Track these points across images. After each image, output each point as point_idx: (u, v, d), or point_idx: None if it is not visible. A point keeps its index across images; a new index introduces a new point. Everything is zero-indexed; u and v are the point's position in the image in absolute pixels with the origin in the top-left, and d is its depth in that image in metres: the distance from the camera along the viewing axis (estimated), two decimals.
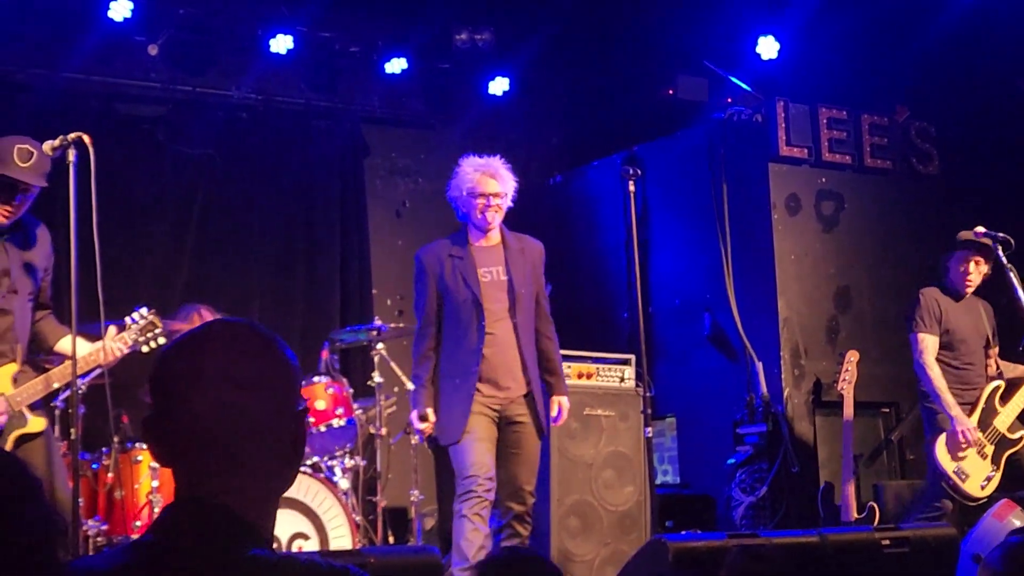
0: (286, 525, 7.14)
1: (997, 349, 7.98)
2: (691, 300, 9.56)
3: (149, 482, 7.20)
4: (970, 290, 7.89)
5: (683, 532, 8.28)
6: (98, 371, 6.33)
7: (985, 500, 7.59)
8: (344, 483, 7.70)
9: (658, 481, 9.07)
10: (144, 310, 6.08)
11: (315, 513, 7.26)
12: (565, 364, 7.91)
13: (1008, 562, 3.14)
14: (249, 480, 2.04)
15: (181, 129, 9.92)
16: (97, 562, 2.05)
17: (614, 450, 8.00)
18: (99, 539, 7.02)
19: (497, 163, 6.80)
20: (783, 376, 8.88)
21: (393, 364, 8.28)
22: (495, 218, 6.70)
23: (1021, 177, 9.58)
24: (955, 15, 9.29)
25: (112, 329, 5.93)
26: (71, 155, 5.58)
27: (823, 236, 9.26)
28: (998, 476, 7.68)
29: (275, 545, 6.55)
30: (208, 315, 7.63)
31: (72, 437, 5.68)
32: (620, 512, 7.92)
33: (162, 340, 6.03)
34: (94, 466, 7.31)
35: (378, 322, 8.40)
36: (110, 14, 9.03)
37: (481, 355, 6.56)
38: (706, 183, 9.42)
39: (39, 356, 6.06)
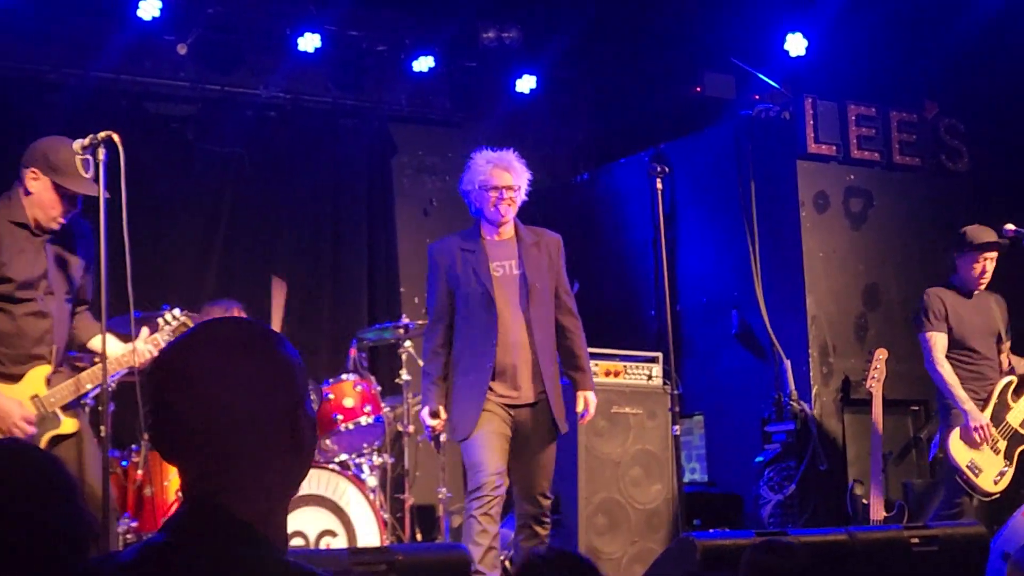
0: (314, 522, 7.17)
1: (1009, 344, 7.94)
2: (719, 298, 9.54)
3: (178, 479, 7.22)
4: (982, 286, 7.87)
5: (711, 530, 8.27)
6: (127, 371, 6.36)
7: (999, 495, 7.59)
8: (372, 480, 7.72)
9: (686, 479, 9.05)
10: (176, 311, 6.10)
11: (343, 510, 7.28)
12: (592, 362, 7.90)
13: None
14: (247, 477, 2.06)
15: (210, 128, 9.97)
16: (111, 559, 2.08)
17: (642, 448, 7.99)
18: (129, 536, 7.06)
19: (510, 156, 6.70)
20: (811, 374, 8.86)
21: (421, 362, 8.28)
22: (508, 212, 6.58)
23: None
24: (984, 10, 9.24)
25: (144, 330, 5.95)
26: (101, 154, 5.60)
27: (851, 233, 9.23)
28: (1011, 471, 7.66)
29: (302, 542, 6.54)
30: (237, 312, 7.69)
31: (102, 435, 5.71)
32: (648, 510, 7.92)
33: None
34: (123, 463, 7.36)
35: (405, 320, 8.41)
36: (139, 13, 9.07)
37: (495, 351, 6.42)
38: (734, 180, 9.40)
39: (71, 353, 6.09)
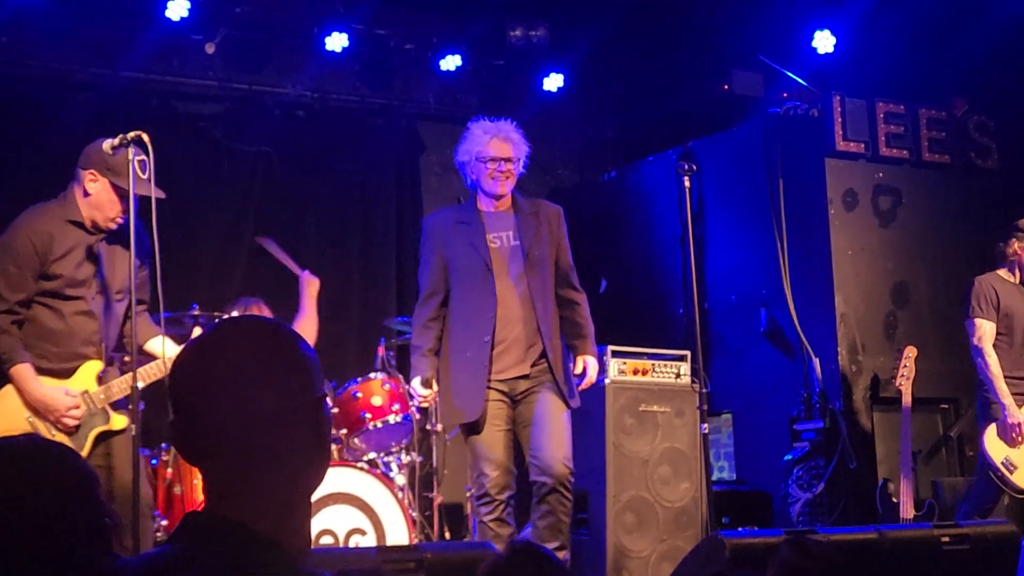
0: (343, 520, 7.18)
1: None
2: (747, 296, 9.52)
3: None
4: None
5: (740, 529, 8.26)
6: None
7: None
8: (400, 479, 7.73)
9: (714, 477, 9.05)
10: (214, 314, 6.16)
11: (372, 509, 7.28)
12: (621, 360, 7.91)
13: None
14: (271, 477, 2.04)
15: (238, 127, 10.02)
16: (132, 563, 2.07)
17: (670, 446, 7.98)
18: (159, 534, 7.08)
19: (508, 127, 6.48)
20: (840, 372, 8.84)
21: None
22: (506, 185, 6.37)
23: None
24: (1013, 6, 9.20)
25: (198, 331, 6.01)
26: (131, 153, 5.65)
27: (880, 231, 9.20)
28: None
29: (331, 540, 6.55)
30: (264, 311, 7.73)
31: (133, 433, 5.74)
32: (676, 508, 7.91)
33: None
34: (153, 462, 7.39)
35: None
36: (168, 13, 9.11)
37: (493, 324, 6.18)
38: (762, 178, 9.38)
39: (124, 352, 6.15)
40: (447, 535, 8.41)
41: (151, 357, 6.00)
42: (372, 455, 7.84)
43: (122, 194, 5.75)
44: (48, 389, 5.71)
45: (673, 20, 10.47)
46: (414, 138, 10.83)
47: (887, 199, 9.26)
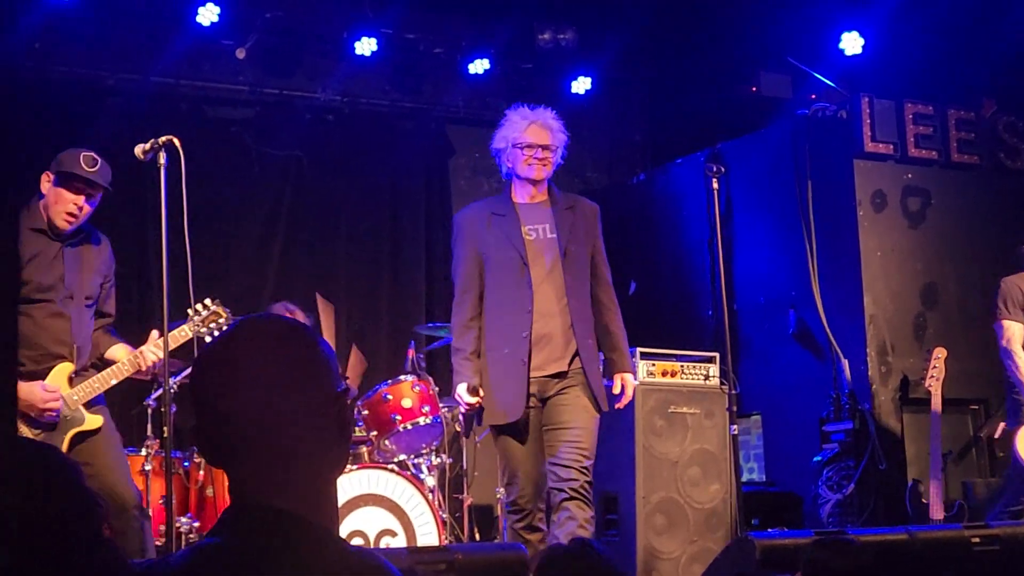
0: (374, 521, 7.21)
1: None
2: (776, 297, 9.52)
3: None
4: None
5: (769, 530, 8.26)
6: (188, 371, 6.45)
7: None
8: (431, 480, 7.75)
9: (744, 479, 9.04)
10: (207, 300, 6.16)
11: (402, 510, 7.31)
12: (650, 362, 7.92)
13: None
14: (298, 472, 2.05)
15: (268, 131, 10.07)
16: (163, 563, 2.07)
17: (699, 448, 7.99)
18: (191, 536, 7.14)
19: (548, 114, 6.28)
20: (870, 373, 8.82)
21: None
22: (543, 172, 6.15)
23: None
24: None
25: (154, 333, 6.03)
26: (162, 158, 5.71)
27: (909, 232, 9.19)
28: None
29: (362, 541, 6.57)
30: (298, 315, 7.78)
31: (164, 435, 5.78)
32: (706, 510, 7.91)
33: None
34: (185, 464, 7.43)
35: None
36: (198, 19, 9.19)
37: (530, 318, 6.00)
38: (790, 180, 9.37)
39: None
40: (477, 536, 8.42)
41: (112, 362, 6.05)
42: (402, 457, 7.86)
43: (65, 184, 5.81)
44: (24, 384, 5.70)
45: (701, 22, 10.49)
46: (443, 142, 10.88)
47: (916, 200, 9.24)
